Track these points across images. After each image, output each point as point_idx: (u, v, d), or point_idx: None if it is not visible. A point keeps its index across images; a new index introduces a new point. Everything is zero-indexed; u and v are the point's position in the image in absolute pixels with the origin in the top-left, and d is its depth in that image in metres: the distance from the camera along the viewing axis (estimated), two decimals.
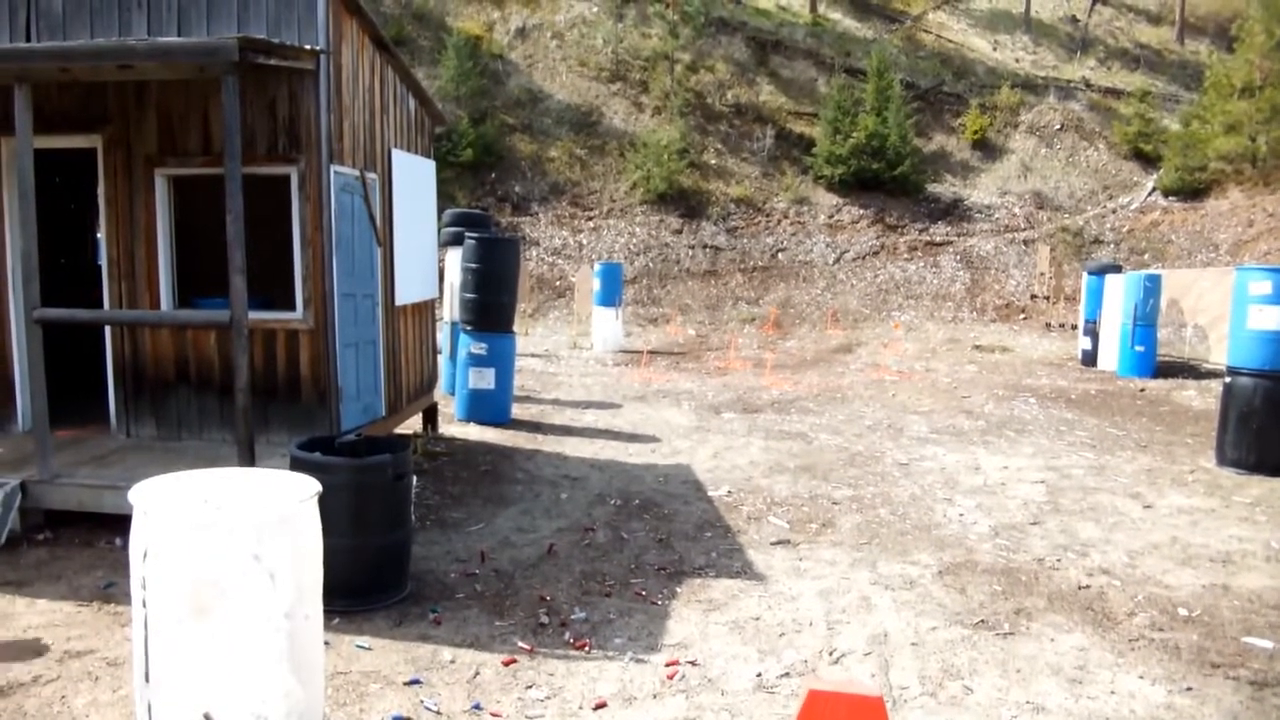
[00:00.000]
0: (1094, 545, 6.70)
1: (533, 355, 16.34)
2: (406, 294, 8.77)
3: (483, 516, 7.09)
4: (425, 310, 9.70)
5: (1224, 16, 30.29)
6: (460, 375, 10.55)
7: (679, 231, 23.34)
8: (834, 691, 2.66)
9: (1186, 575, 6.12)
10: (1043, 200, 24.57)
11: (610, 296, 17.41)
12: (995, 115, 26.78)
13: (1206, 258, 21.99)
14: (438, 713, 4.13)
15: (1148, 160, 25.38)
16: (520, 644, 4.85)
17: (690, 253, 22.92)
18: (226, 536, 3.17)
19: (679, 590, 5.68)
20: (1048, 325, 20.46)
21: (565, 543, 6.54)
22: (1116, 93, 27.72)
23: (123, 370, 7.31)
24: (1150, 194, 24.47)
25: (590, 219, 23.49)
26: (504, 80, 26.11)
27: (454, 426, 10.22)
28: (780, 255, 23.05)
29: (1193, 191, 23.85)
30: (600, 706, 4.23)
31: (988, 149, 26.18)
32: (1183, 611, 5.49)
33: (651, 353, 17.14)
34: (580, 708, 4.23)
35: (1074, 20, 32.15)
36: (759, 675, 4.57)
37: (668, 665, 4.65)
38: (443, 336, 11.96)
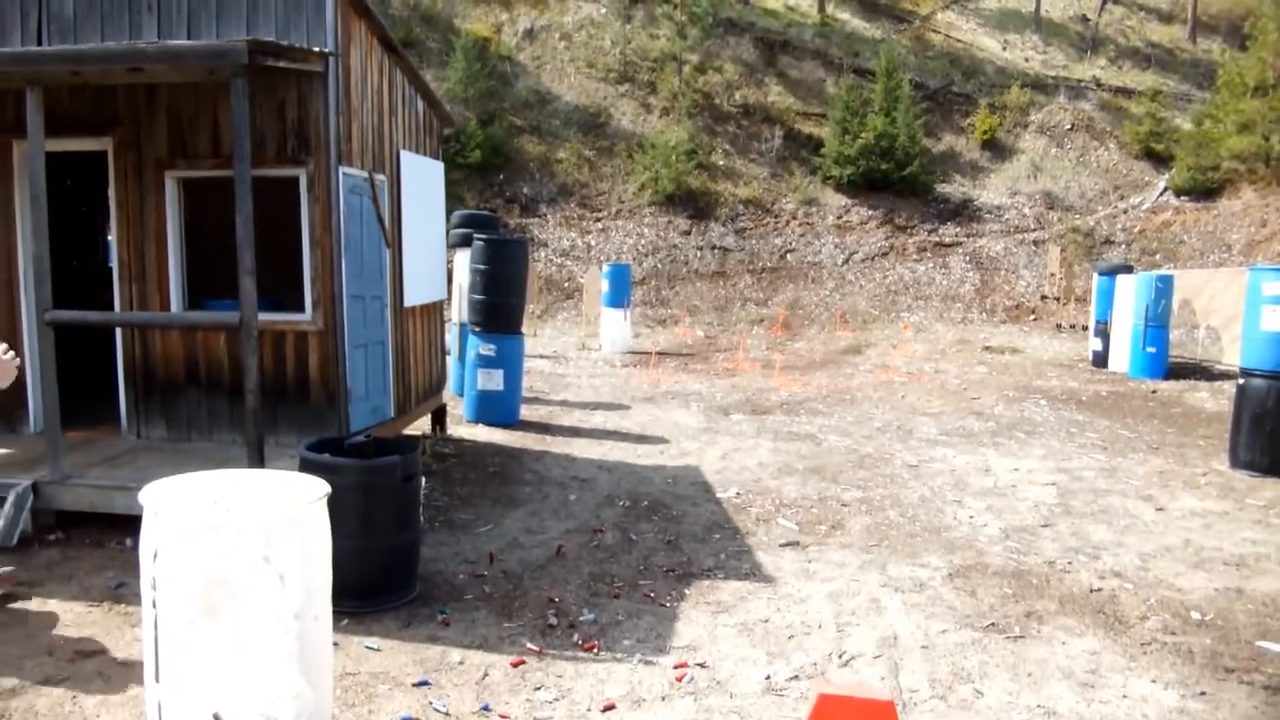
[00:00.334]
0: (1106, 548, 6.66)
1: (541, 356, 16.35)
2: (415, 295, 8.78)
3: (491, 518, 7.09)
4: (434, 311, 9.71)
5: (1237, 14, 30.18)
6: (469, 376, 10.56)
7: (687, 232, 23.33)
8: (844, 695, 2.65)
9: (1200, 578, 6.08)
10: (1053, 200, 24.49)
11: (618, 298, 17.41)
12: (1005, 115, 26.71)
13: (1219, 258, 21.90)
14: (446, 714, 4.13)
15: (1159, 160, 25.28)
16: (529, 645, 4.85)
17: (698, 254, 22.91)
18: (236, 538, 3.17)
19: (688, 592, 5.67)
20: (1058, 326, 20.39)
21: (574, 544, 6.53)
22: (1128, 92, 27.63)
23: (133, 372, 7.33)
24: (1162, 194, 24.37)
25: (598, 220, 23.50)
26: (512, 82, 26.14)
27: (462, 428, 10.23)
28: (789, 256, 23.03)
29: (1205, 191, 23.75)
30: (609, 708, 4.22)
31: (997, 149, 26.11)
32: (1196, 615, 5.46)
33: (660, 354, 17.14)
34: (589, 709, 4.22)
35: (1084, 19, 32.05)
36: (768, 678, 4.56)
37: (676, 667, 4.64)
38: (451, 338, 11.97)
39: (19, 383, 7.39)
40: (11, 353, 3.45)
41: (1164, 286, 14.99)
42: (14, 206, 7.39)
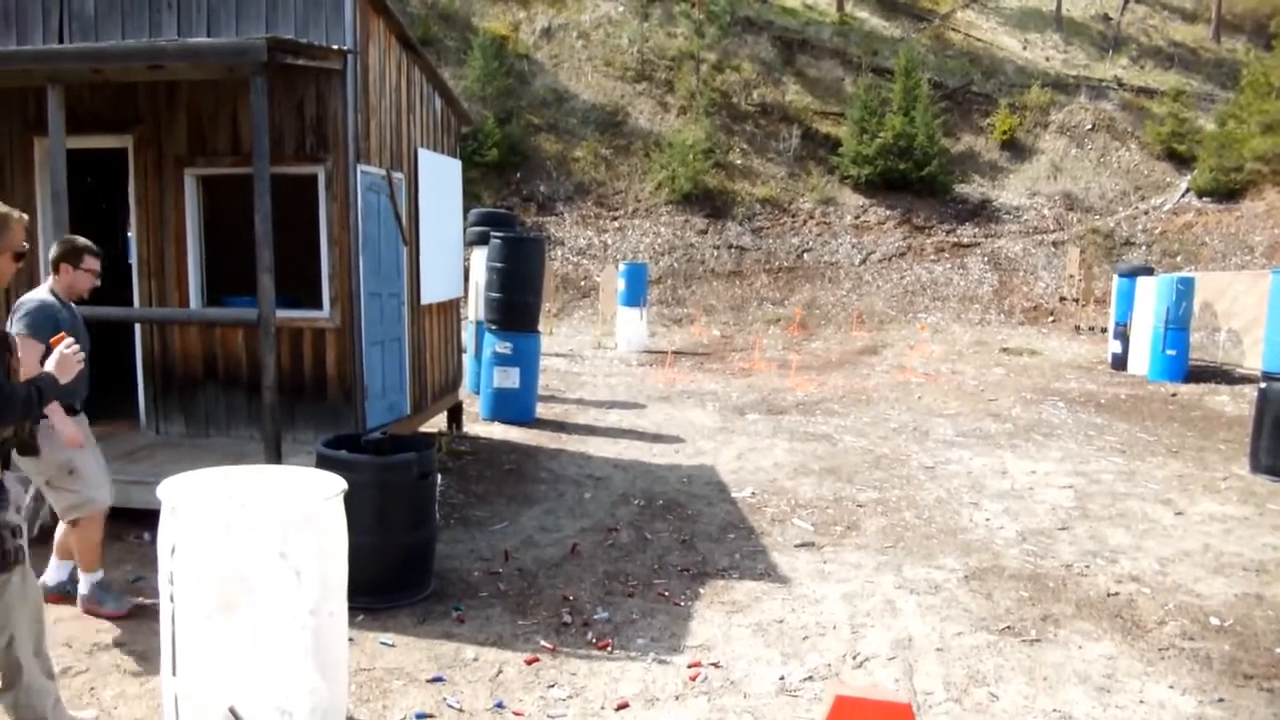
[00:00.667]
0: (1124, 552, 6.62)
1: (557, 355, 16.37)
2: (432, 293, 8.80)
3: (506, 515, 7.11)
4: (450, 309, 9.73)
5: (1262, 14, 29.93)
6: (485, 374, 10.58)
7: (704, 232, 23.30)
8: (861, 697, 2.64)
9: (1219, 584, 6.03)
10: (1073, 201, 24.33)
11: (635, 296, 17.40)
12: (1025, 115, 26.55)
13: (1241, 260, 21.70)
14: (460, 710, 4.14)
15: (1181, 161, 25.07)
16: (543, 643, 4.85)
17: (715, 253, 22.88)
18: (253, 533, 3.19)
19: (702, 591, 5.67)
20: (1077, 328, 20.26)
21: (588, 542, 6.54)
22: (1150, 92, 27.41)
23: (152, 367, 7.38)
24: (1184, 195, 24.18)
25: (615, 219, 23.50)
26: (529, 80, 26.17)
27: (478, 425, 10.25)
28: (806, 256, 22.97)
29: (1228, 192, 23.53)
30: (622, 707, 4.22)
31: (1017, 149, 25.95)
32: (1215, 621, 5.41)
33: (676, 353, 17.13)
34: (602, 708, 4.22)
35: (1106, 18, 31.84)
36: (782, 678, 4.55)
37: (690, 666, 4.63)
38: (468, 335, 12.00)
39: None
40: (75, 347, 3.49)
41: (1185, 289, 14.87)
42: (36, 203, 7.44)
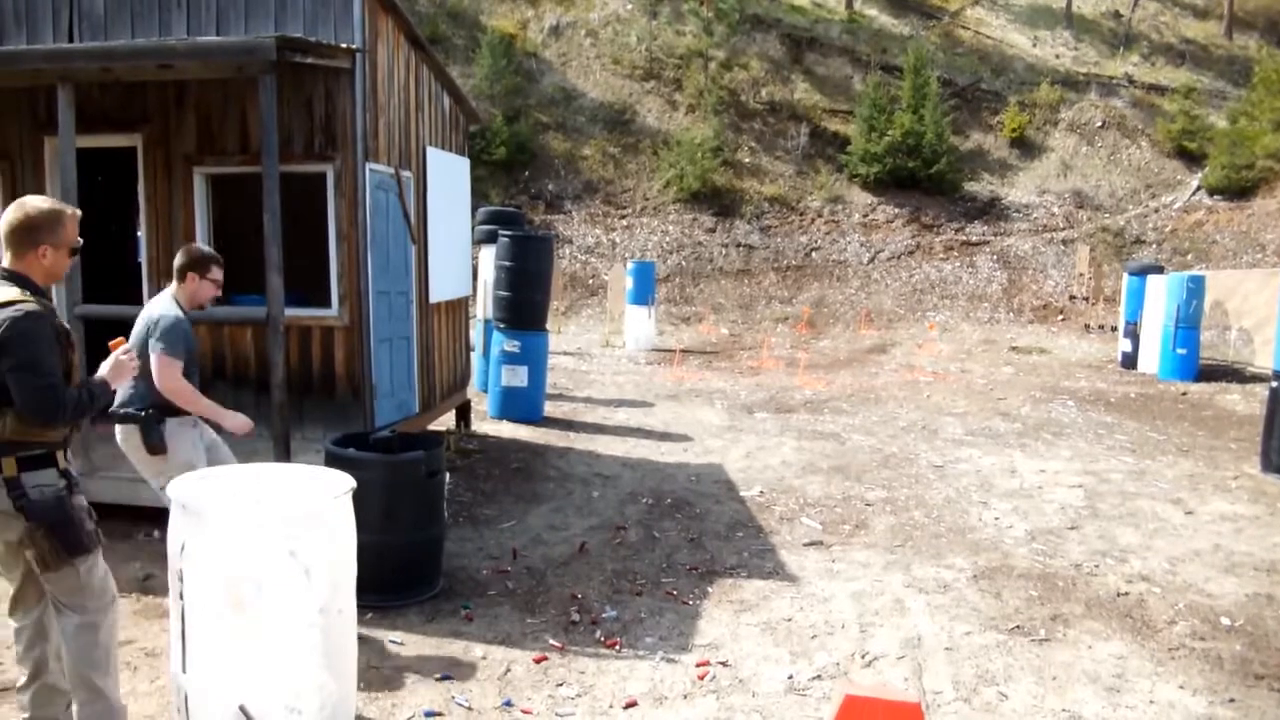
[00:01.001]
0: (1133, 551, 6.59)
1: (565, 353, 16.38)
2: (440, 291, 8.81)
3: (515, 514, 7.11)
4: (459, 308, 9.74)
5: (1275, 10, 29.81)
6: (493, 373, 10.59)
7: (712, 230, 23.29)
8: (870, 697, 2.63)
9: (1230, 584, 6.00)
10: (1083, 199, 24.24)
11: (643, 295, 17.40)
12: (1034, 113, 26.47)
13: (1253, 259, 21.60)
14: (469, 709, 4.14)
15: (1192, 158, 24.95)
16: (551, 641, 4.85)
17: (723, 251, 22.86)
18: (262, 531, 3.20)
19: (710, 590, 5.66)
20: (1087, 327, 20.19)
21: (597, 541, 6.54)
22: (1161, 89, 27.29)
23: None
24: (1195, 193, 24.07)
25: (623, 217, 23.50)
26: (538, 78, 26.18)
27: (487, 424, 10.26)
28: (814, 254, 22.94)
29: (1239, 190, 23.41)
30: (631, 705, 4.22)
31: (1026, 147, 25.87)
32: (1225, 621, 5.39)
33: (684, 351, 17.12)
34: (611, 706, 4.22)
35: (1117, 15, 31.71)
36: (790, 677, 4.54)
37: (698, 665, 4.63)
38: (476, 334, 12.01)
39: None
40: (131, 353, 3.51)
41: (1195, 287, 14.80)
42: None
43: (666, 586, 5.71)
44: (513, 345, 10.32)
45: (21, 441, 3.22)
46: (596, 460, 8.90)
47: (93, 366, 3.61)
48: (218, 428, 4.95)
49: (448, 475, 5.85)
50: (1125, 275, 17.02)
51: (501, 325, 10.47)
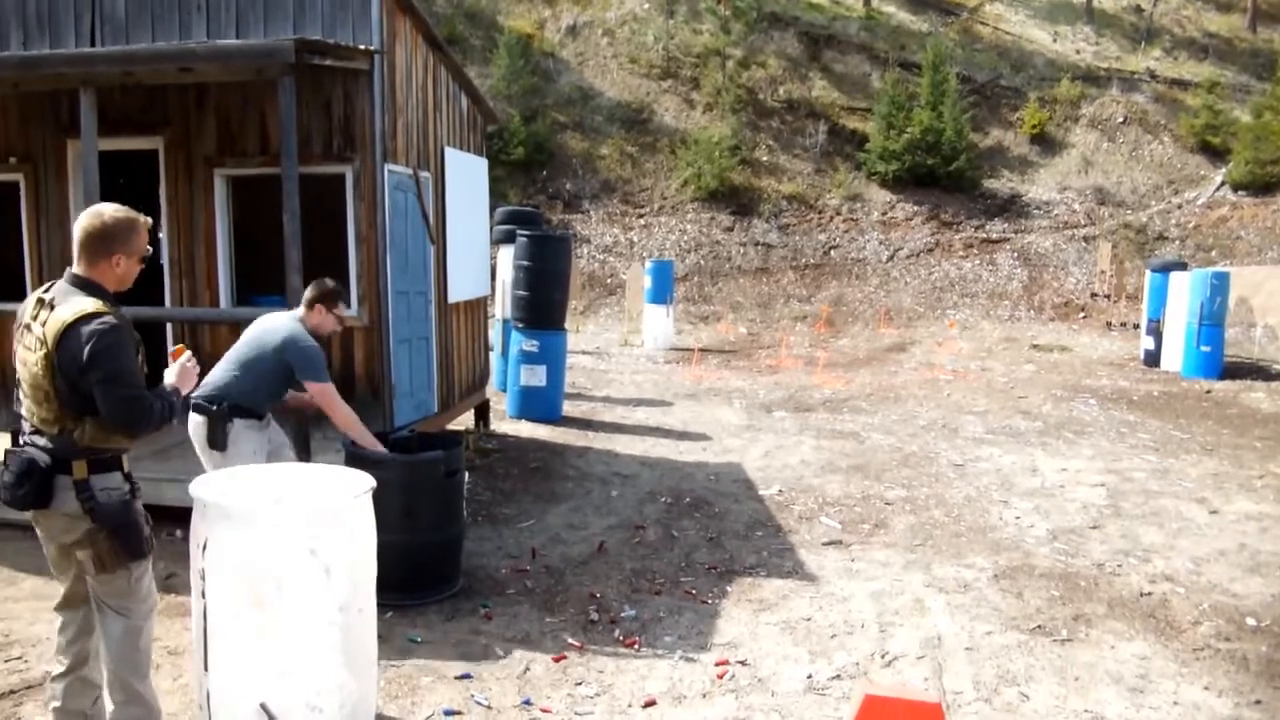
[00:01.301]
0: (1157, 551, 6.53)
1: (584, 352, 16.39)
2: (459, 291, 8.84)
3: (534, 513, 7.12)
4: (477, 307, 9.77)
5: None
6: (512, 372, 10.61)
7: (730, 229, 23.25)
8: (890, 696, 2.62)
9: (1255, 583, 5.94)
10: (1104, 196, 24.04)
11: (661, 294, 17.40)
12: (1055, 109, 26.27)
13: (1277, 254, 21.37)
14: (488, 707, 4.15)
15: (1216, 153, 24.69)
16: (570, 640, 4.86)
17: (741, 250, 22.82)
18: (283, 531, 3.22)
19: (729, 589, 5.66)
20: (1109, 324, 20.03)
21: (615, 540, 6.54)
22: (1183, 84, 27.03)
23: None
24: (1218, 188, 23.83)
25: (641, 216, 23.50)
26: (555, 78, 26.21)
27: (505, 423, 10.28)
28: (833, 253, 22.86)
29: (1264, 185, 23.14)
30: (650, 704, 4.22)
31: (1047, 143, 25.68)
32: (1251, 621, 5.33)
33: (702, 350, 17.10)
34: (629, 705, 4.22)
35: (1138, 9, 31.45)
36: (810, 676, 4.53)
37: (717, 665, 4.62)
38: (495, 333, 12.03)
39: None
40: (194, 360, 3.56)
41: (1219, 284, 14.65)
42: (69, 204, 7.54)
43: (685, 586, 5.70)
44: (531, 345, 10.34)
45: (94, 446, 3.26)
46: (615, 459, 8.91)
47: None
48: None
49: (467, 475, 5.86)
50: (1148, 272, 16.85)
51: (520, 325, 10.49)
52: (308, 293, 5.16)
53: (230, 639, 3.23)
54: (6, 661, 4.44)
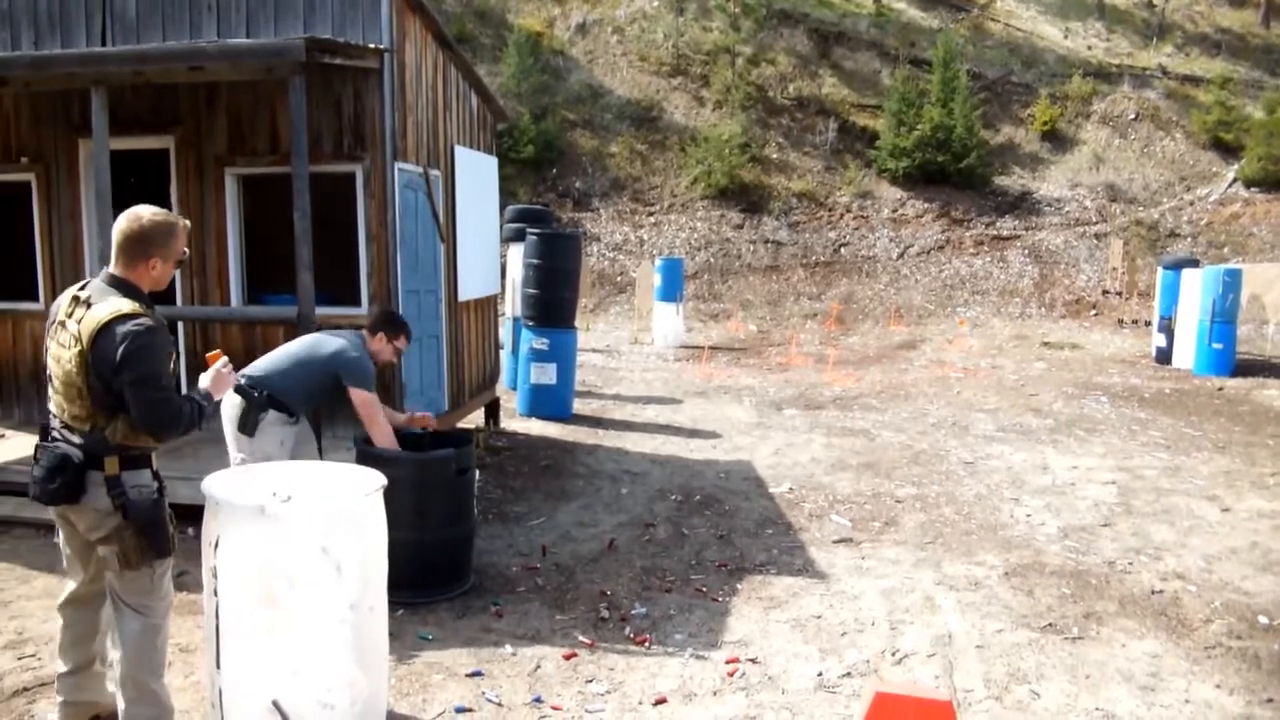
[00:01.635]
0: (1168, 549, 6.51)
1: (594, 350, 16.40)
2: (469, 290, 8.85)
3: (544, 511, 7.13)
4: (487, 306, 9.78)
5: None
6: (522, 370, 10.62)
7: (740, 226, 23.22)
8: (901, 694, 2.62)
9: (1267, 581, 5.92)
10: (1115, 192, 23.94)
11: (671, 292, 17.39)
12: (1066, 105, 26.17)
13: None
14: (499, 704, 4.16)
15: (1228, 150, 24.57)
16: (581, 638, 4.87)
17: (751, 248, 22.80)
18: (295, 529, 3.23)
19: (740, 587, 5.66)
20: (1120, 322, 19.95)
21: (626, 538, 6.55)
22: (1195, 80, 26.89)
23: (195, 365, 7.48)
24: (1231, 185, 23.70)
25: (651, 214, 23.49)
26: (565, 76, 26.21)
27: (516, 421, 10.29)
28: (843, 250, 22.82)
29: (1276, 182, 23.01)
30: (660, 702, 4.22)
31: (1058, 140, 25.58)
32: (1263, 619, 5.31)
33: (712, 348, 17.09)
34: (640, 703, 4.22)
35: (1150, 5, 31.30)
36: (820, 674, 4.53)
37: (728, 662, 4.63)
38: (505, 332, 12.05)
39: None
40: (230, 367, 3.59)
41: (1232, 281, 14.58)
42: (80, 204, 7.58)
43: (696, 583, 5.70)
44: (541, 343, 10.35)
45: (126, 444, 3.30)
46: (625, 457, 8.91)
47: None
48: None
49: (477, 473, 5.87)
50: (1159, 269, 16.78)
51: (530, 323, 10.50)
52: (374, 319, 5.41)
53: (242, 636, 3.24)
54: (20, 659, 4.47)
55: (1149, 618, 5.29)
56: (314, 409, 5.29)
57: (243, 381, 4.88)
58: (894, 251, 22.72)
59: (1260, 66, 28.14)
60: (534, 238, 10.55)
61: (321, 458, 5.96)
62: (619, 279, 21.75)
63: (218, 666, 3.29)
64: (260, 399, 4.91)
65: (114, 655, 3.45)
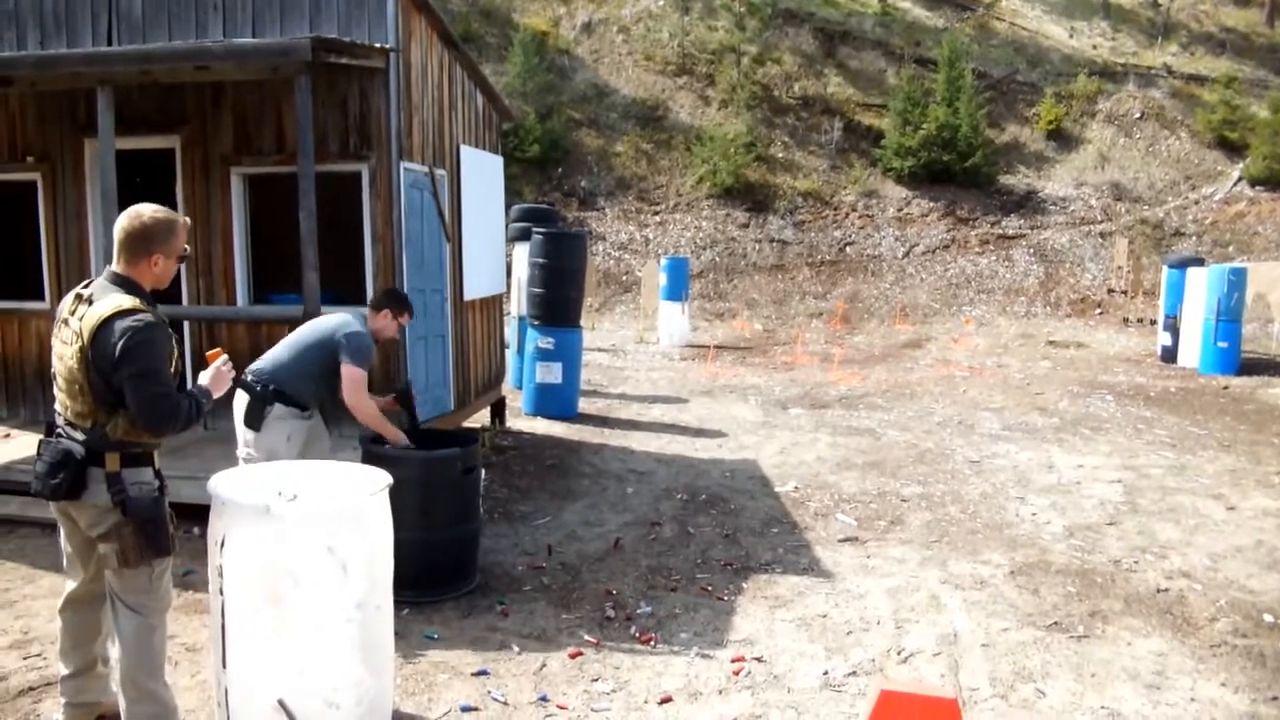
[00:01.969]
0: (1174, 547, 6.50)
1: (599, 350, 16.40)
2: (474, 289, 8.86)
3: (550, 510, 7.14)
4: (493, 305, 9.79)
5: None
6: (527, 369, 10.63)
7: (745, 225, 23.21)
8: (906, 692, 2.62)
9: (1273, 580, 5.90)
10: (1121, 191, 23.90)
11: (677, 291, 17.39)
12: (1071, 104, 26.12)
13: None
14: (505, 703, 4.17)
15: (1233, 149, 24.50)
16: (586, 637, 4.87)
17: (757, 247, 22.79)
18: (300, 528, 3.23)
19: (745, 586, 5.66)
20: (1125, 320, 19.92)
21: (631, 537, 6.55)
22: (1200, 79, 26.82)
23: (201, 365, 7.49)
24: (1236, 184, 23.64)
25: (656, 213, 23.49)
26: (570, 75, 26.21)
27: (521, 420, 10.30)
28: (848, 249, 22.80)
29: None
30: (666, 701, 4.22)
31: (1063, 139, 25.54)
32: (1268, 618, 5.30)
33: (718, 347, 17.09)
34: (645, 702, 4.23)
35: (1155, 4, 31.22)
36: (825, 673, 4.53)
37: (733, 661, 4.63)
38: (510, 331, 12.05)
39: None
40: (230, 365, 3.60)
41: (1237, 279, 14.55)
42: (86, 203, 7.60)
43: (701, 582, 5.70)
44: (547, 342, 10.36)
45: (127, 440, 3.31)
46: (631, 456, 8.91)
47: None
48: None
49: (483, 472, 5.88)
50: (1165, 268, 16.75)
51: (536, 322, 10.51)
52: (378, 296, 5.39)
53: (248, 636, 3.25)
54: (25, 659, 4.48)
55: (1154, 616, 5.29)
56: (322, 398, 5.22)
57: (248, 377, 4.89)
58: (899, 250, 22.69)
59: (1265, 65, 28.07)
60: (539, 237, 10.56)
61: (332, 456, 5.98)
62: (624, 278, 21.75)
63: (223, 665, 3.29)
64: (265, 393, 4.90)
65: (115, 655, 3.46)
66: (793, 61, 27.05)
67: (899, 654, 4.76)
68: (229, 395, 4.73)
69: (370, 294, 7.10)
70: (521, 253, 11.85)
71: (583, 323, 11.17)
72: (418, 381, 7.43)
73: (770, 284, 21.90)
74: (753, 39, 26.51)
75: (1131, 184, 24.10)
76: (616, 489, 7.79)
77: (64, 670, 3.62)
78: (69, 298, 3.38)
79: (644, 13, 27.82)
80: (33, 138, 7.72)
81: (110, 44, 7.30)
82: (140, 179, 9.45)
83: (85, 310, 3.24)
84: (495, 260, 9.84)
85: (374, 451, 5.11)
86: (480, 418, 9.75)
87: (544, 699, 4.21)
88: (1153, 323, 18.35)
